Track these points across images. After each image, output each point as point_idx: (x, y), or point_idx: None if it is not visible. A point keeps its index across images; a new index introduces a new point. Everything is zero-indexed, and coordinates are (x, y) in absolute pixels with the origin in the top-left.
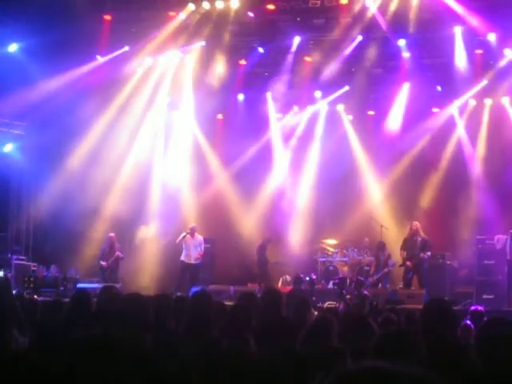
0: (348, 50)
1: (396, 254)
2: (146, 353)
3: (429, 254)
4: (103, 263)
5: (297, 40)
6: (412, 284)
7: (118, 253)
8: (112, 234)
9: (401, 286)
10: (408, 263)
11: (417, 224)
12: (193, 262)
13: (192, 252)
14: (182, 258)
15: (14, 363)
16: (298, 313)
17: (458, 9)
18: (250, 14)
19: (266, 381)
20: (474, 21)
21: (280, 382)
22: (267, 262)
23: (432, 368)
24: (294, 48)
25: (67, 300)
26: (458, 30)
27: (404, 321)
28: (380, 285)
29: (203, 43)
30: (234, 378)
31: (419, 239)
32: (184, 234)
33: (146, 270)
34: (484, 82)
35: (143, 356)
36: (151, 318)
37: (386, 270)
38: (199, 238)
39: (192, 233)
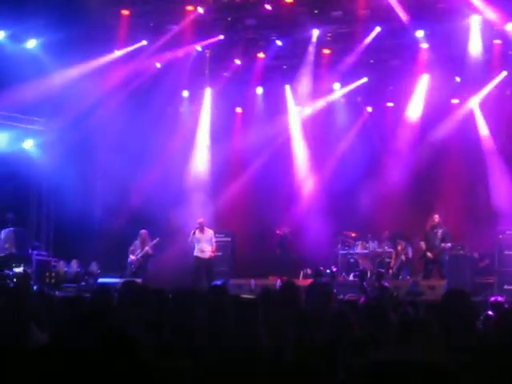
0: (366, 42)
1: (416, 245)
2: (165, 347)
3: (449, 244)
4: (132, 257)
5: (315, 33)
6: (432, 275)
7: (147, 248)
8: (144, 231)
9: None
10: (429, 254)
11: (437, 217)
12: (207, 256)
13: (204, 246)
14: (196, 253)
15: (34, 359)
16: (320, 305)
17: None
18: (268, 7)
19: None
20: (491, 11)
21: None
22: (288, 255)
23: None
24: (312, 40)
25: (88, 295)
26: (475, 20)
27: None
28: (401, 276)
29: (222, 37)
30: (247, 374)
31: (440, 231)
32: (193, 231)
33: (166, 266)
34: (504, 73)
35: (163, 350)
36: (173, 313)
37: (402, 257)
38: (209, 232)
39: (201, 228)
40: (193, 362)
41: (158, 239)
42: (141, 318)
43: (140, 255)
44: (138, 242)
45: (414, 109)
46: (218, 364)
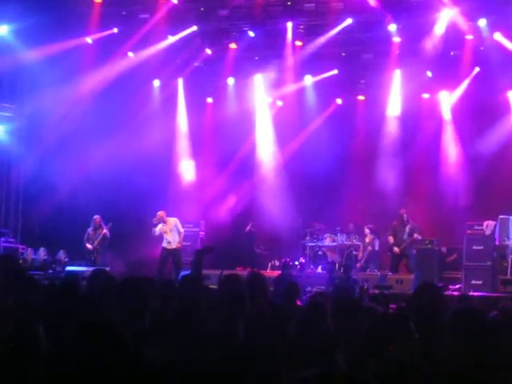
0: (338, 35)
1: (386, 238)
2: (142, 338)
3: (419, 236)
4: (89, 246)
5: (289, 25)
6: (399, 270)
7: (105, 231)
8: (97, 216)
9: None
10: (396, 249)
11: (405, 211)
12: (173, 247)
13: (171, 237)
14: (164, 244)
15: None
16: (288, 297)
17: None
18: None
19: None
20: (463, 6)
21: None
22: (255, 246)
23: (423, 351)
24: (286, 33)
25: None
26: (447, 15)
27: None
28: (369, 270)
29: (195, 28)
30: (223, 364)
31: (408, 226)
32: (154, 225)
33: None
34: (476, 69)
35: (139, 341)
36: (150, 302)
37: (369, 248)
38: (172, 220)
39: (162, 220)
40: (167, 351)
41: (111, 223)
42: (115, 307)
43: (96, 242)
44: (91, 230)
45: (386, 103)
46: (191, 354)
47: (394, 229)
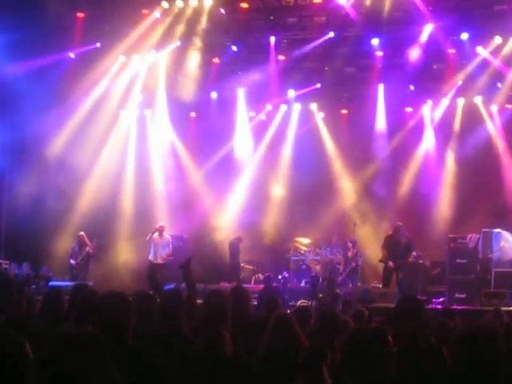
0: (321, 49)
1: (368, 251)
2: (128, 353)
3: (414, 254)
4: (72, 261)
5: (272, 39)
6: (391, 284)
7: (88, 248)
8: (82, 233)
9: (374, 284)
10: (390, 263)
11: (401, 224)
12: (159, 261)
13: (160, 252)
14: (150, 257)
15: None
16: (268, 311)
17: (429, 8)
18: (222, 11)
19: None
20: (445, 20)
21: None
22: (239, 260)
23: (403, 365)
24: (269, 47)
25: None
26: (429, 29)
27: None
28: (351, 284)
29: (178, 43)
30: (209, 377)
31: (403, 240)
32: (153, 232)
33: (116, 270)
34: (459, 82)
35: (124, 356)
36: (132, 317)
37: (353, 264)
38: (167, 237)
39: (160, 232)
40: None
41: (96, 240)
42: (97, 321)
43: (80, 258)
44: (76, 246)
45: (370, 116)
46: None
47: (388, 241)
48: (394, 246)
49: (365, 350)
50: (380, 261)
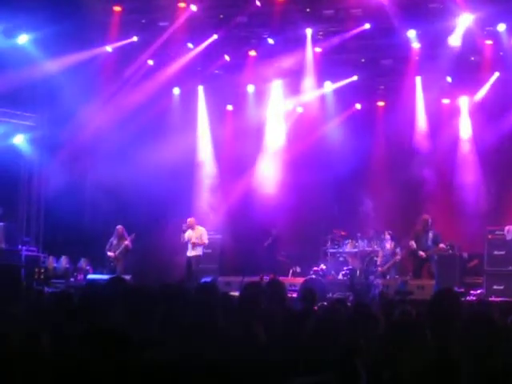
0: (357, 41)
1: (406, 244)
2: (156, 344)
3: (442, 246)
4: (110, 254)
5: (308, 31)
6: (422, 275)
7: (126, 242)
8: (119, 226)
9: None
10: (421, 253)
11: (428, 217)
12: (193, 254)
13: (194, 245)
14: (187, 253)
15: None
16: (305, 304)
17: None
18: (258, 3)
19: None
20: (482, 11)
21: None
22: (277, 253)
23: (437, 358)
24: (306, 39)
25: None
26: (465, 20)
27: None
28: (389, 276)
29: (215, 37)
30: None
31: (431, 232)
32: (183, 231)
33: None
34: (496, 74)
35: (152, 347)
36: (159, 309)
37: (397, 257)
38: (200, 229)
39: (191, 227)
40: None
41: (134, 234)
42: (128, 316)
43: (118, 251)
44: (114, 239)
45: (406, 108)
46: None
47: (416, 233)
48: (421, 238)
49: (405, 341)
50: (410, 252)
